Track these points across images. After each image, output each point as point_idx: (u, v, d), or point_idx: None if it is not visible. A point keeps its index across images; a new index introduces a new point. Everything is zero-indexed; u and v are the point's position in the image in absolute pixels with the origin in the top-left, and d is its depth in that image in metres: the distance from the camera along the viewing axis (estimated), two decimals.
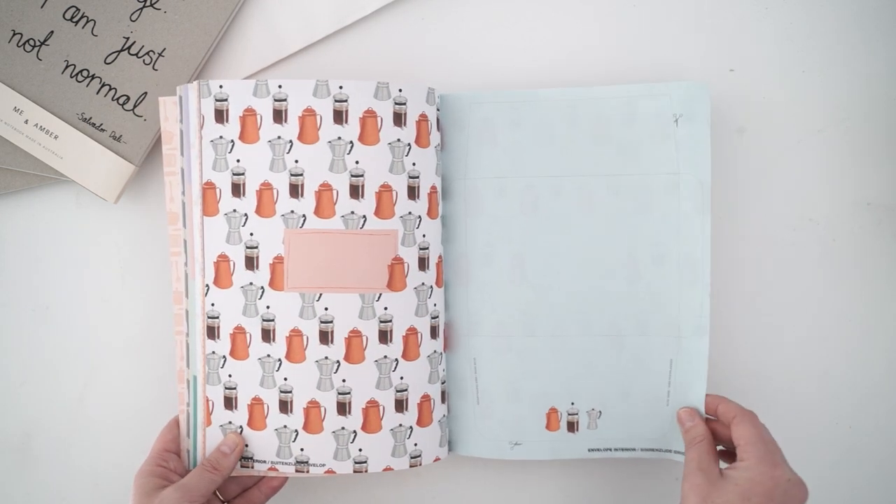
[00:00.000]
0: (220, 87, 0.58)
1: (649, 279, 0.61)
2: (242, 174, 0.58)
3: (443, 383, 0.61)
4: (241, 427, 0.59)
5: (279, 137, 0.58)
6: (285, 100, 0.58)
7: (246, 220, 0.58)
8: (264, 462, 0.59)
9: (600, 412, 0.61)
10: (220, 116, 0.58)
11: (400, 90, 0.58)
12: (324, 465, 0.59)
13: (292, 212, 0.58)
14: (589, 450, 0.62)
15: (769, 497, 0.52)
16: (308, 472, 0.59)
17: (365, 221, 0.58)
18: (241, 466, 0.59)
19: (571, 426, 0.61)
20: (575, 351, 0.61)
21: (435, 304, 0.60)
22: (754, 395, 0.64)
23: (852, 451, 0.65)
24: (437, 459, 0.60)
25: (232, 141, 0.58)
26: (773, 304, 0.65)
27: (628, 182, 0.61)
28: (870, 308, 0.65)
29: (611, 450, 0.61)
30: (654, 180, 0.60)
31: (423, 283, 0.60)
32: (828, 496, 0.65)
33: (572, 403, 0.61)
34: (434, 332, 0.60)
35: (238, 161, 0.58)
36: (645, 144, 0.60)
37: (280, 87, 0.58)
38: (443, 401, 0.61)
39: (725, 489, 0.53)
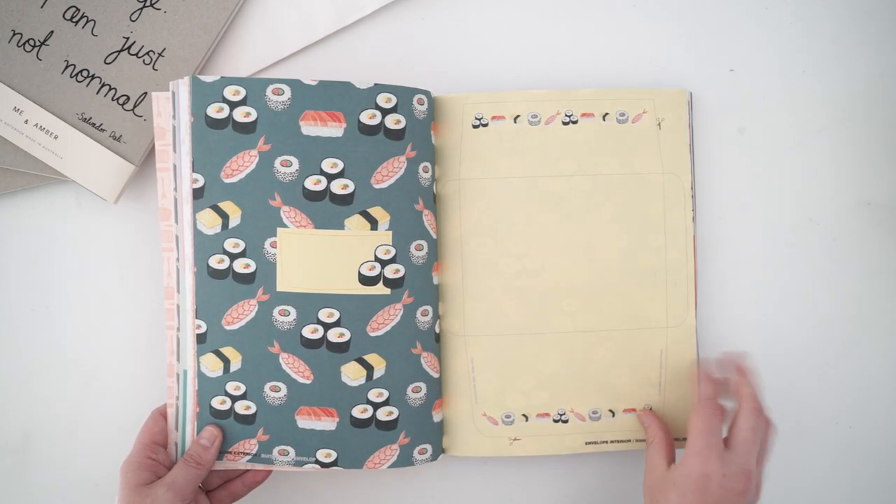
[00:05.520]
0: None
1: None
2: None
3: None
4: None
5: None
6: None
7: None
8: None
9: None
10: None
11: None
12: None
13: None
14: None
15: (703, 492, 0.52)
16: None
17: None
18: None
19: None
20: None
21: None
22: None
23: (852, 451, 0.65)
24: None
25: None
26: (772, 303, 0.65)
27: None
28: (870, 308, 0.65)
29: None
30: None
31: None
32: (828, 496, 0.65)
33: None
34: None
35: None
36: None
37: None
38: None
39: (665, 488, 0.54)
